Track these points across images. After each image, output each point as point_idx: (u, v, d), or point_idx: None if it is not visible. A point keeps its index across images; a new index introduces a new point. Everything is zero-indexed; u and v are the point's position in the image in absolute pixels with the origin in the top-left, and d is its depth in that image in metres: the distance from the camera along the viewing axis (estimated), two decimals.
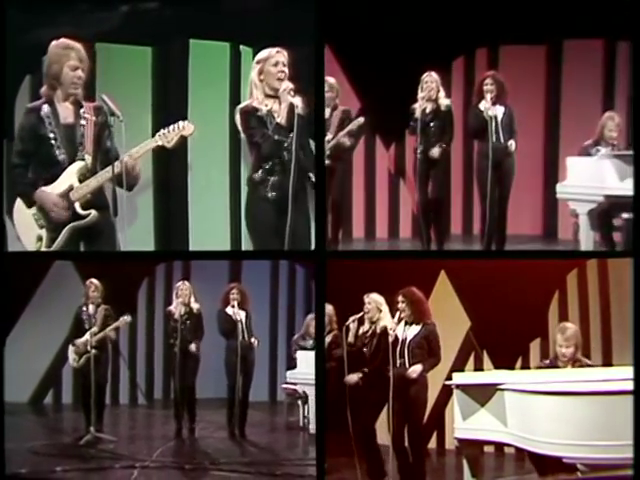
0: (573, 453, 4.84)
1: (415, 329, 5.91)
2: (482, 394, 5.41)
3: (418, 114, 6.56)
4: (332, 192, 6.78)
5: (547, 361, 5.62)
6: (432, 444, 6.62)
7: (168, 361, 7.45)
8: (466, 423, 5.53)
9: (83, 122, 5.46)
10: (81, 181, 5.43)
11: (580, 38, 7.17)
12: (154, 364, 8.04)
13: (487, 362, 6.71)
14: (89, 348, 6.82)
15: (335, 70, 6.88)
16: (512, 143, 6.55)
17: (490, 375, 5.90)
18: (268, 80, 5.52)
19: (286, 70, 5.50)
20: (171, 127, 5.46)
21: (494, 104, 6.50)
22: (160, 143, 5.44)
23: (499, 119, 6.51)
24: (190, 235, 6.64)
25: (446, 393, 6.01)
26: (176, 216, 6.64)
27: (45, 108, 5.44)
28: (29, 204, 5.49)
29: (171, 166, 6.54)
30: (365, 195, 7.69)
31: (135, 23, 6.22)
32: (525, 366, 6.33)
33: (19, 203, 5.54)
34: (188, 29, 6.36)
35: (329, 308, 6.14)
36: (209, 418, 7.24)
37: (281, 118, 5.51)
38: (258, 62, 5.55)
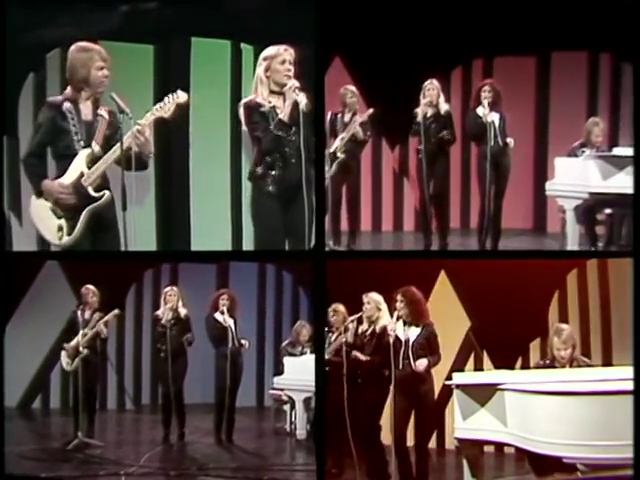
0: (573, 453, 4.81)
1: (416, 330, 5.89)
2: (482, 394, 5.37)
3: (420, 118, 6.77)
4: (348, 188, 7.06)
5: (543, 362, 5.63)
6: (432, 444, 6.59)
7: (156, 366, 7.40)
8: (466, 423, 5.48)
9: (99, 119, 5.47)
10: (90, 167, 5.41)
11: (566, 50, 7.55)
12: (142, 369, 7.99)
13: (487, 362, 6.76)
14: (81, 349, 6.74)
15: (345, 79, 7.25)
16: (511, 142, 6.75)
17: (490, 375, 5.90)
18: (275, 77, 5.51)
19: (292, 68, 5.50)
20: (166, 98, 5.46)
21: (491, 110, 6.68)
22: (158, 115, 5.42)
23: (496, 124, 6.68)
24: (192, 231, 6.62)
25: (446, 393, 6.02)
26: (178, 212, 6.62)
27: (67, 104, 5.42)
28: (38, 194, 5.46)
29: (173, 162, 6.55)
30: (372, 192, 7.88)
31: (137, 21, 6.25)
32: (525, 366, 6.37)
33: (33, 198, 5.51)
34: (189, 27, 6.39)
35: (340, 307, 6.15)
36: (196, 424, 7.20)
37: (284, 115, 5.50)
38: (265, 59, 5.53)
